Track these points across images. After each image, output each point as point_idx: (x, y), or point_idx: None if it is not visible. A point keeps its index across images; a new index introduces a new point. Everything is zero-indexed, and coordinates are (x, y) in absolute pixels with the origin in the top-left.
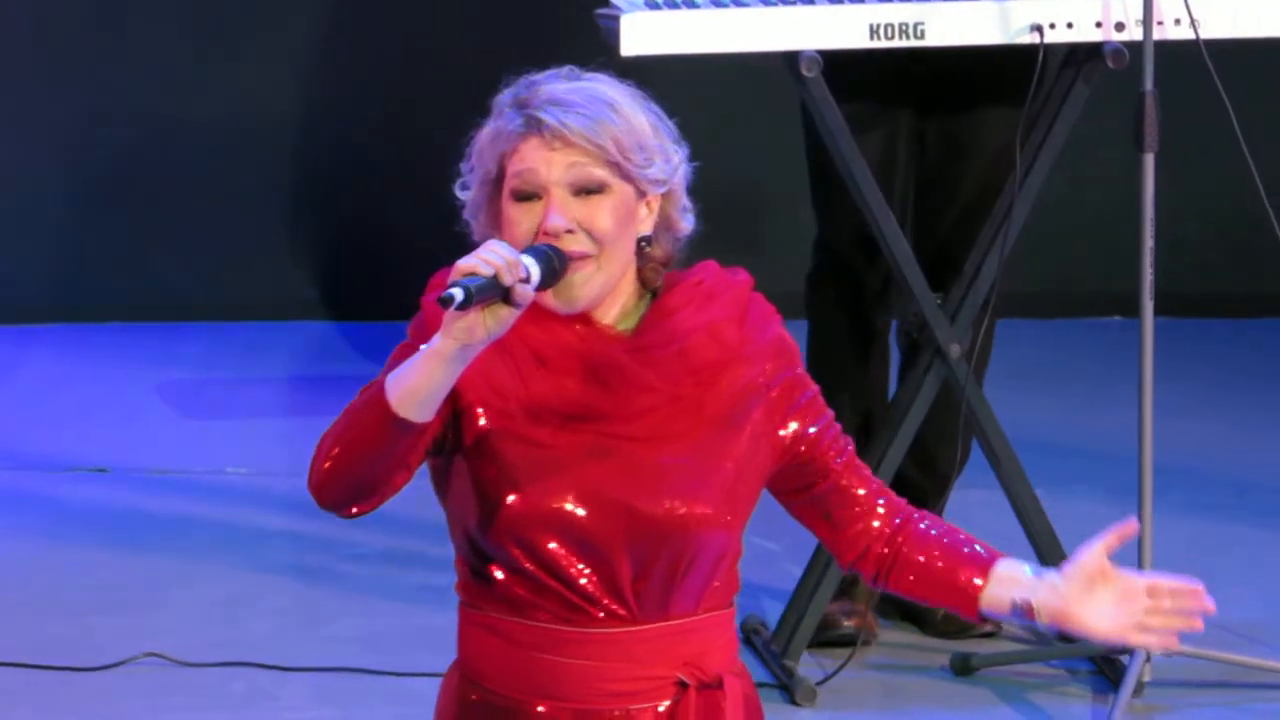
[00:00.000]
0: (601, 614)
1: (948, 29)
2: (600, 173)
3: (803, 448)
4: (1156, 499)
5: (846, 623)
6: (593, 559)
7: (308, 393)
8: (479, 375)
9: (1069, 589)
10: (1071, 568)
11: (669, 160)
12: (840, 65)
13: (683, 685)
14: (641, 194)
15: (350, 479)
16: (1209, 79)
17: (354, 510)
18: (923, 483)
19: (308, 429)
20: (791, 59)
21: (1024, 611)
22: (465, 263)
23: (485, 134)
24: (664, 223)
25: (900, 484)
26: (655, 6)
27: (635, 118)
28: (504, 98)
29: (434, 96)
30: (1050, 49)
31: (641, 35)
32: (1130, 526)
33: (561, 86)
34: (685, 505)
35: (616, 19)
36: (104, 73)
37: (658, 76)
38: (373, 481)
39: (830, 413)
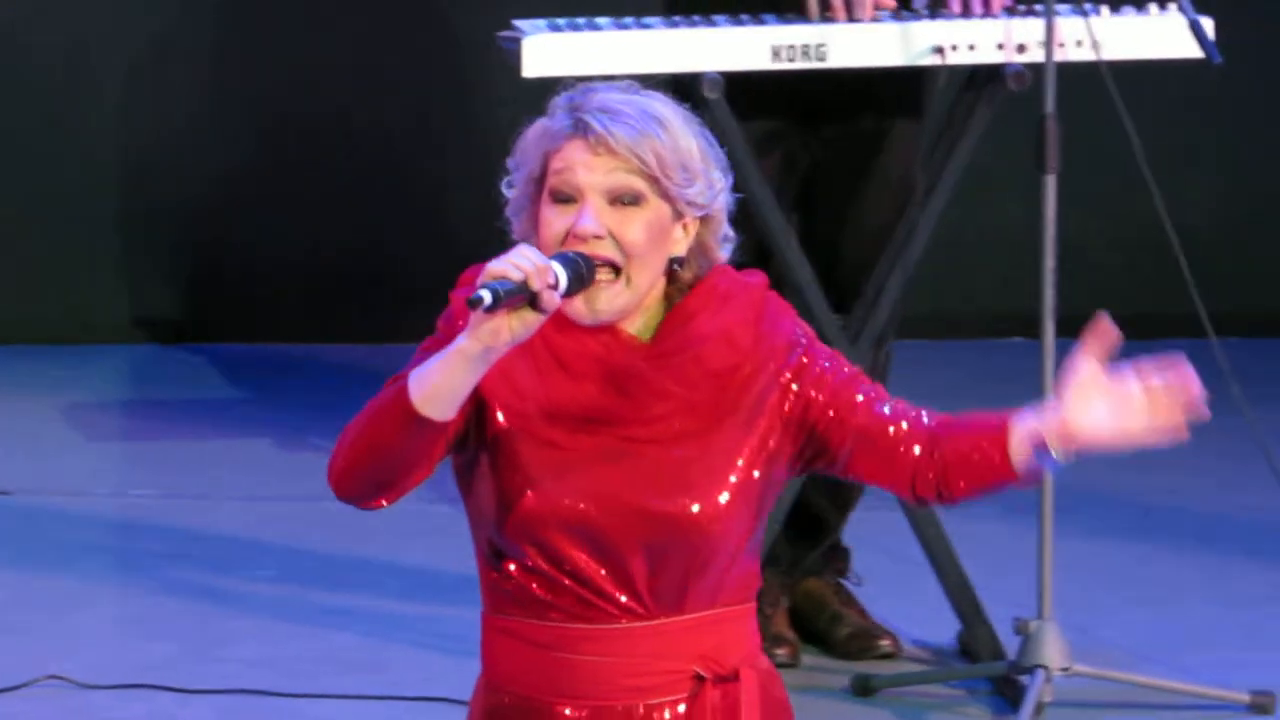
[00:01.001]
0: (616, 610)
1: (850, 51)
2: (639, 184)
3: (824, 414)
4: (1060, 519)
5: (779, 651)
6: (607, 557)
7: (207, 417)
8: (500, 375)
9: (1066, 405)
10: (1064, 384)
11: (711, 186)
12: (746, 85)
13: (700, 679)
14: (679, 215)
15: (369, 474)
16: (1110, 100)
17: (375, 503)
18: (826, 507)
19: (210, 452)
20: (694, 81)
21: (1041, 450)
22: (495, 266)
23: (533, 130)
24: (699, 248)
25: (804, 509)
26: (557, 28)
27: (683, 138)
28: (559, 99)
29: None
30: (952, 71)
31: (543, 57)
32: (1103, 323)
33: (616, 96)
34: (698, 502)
35: (518, 41)
36: None
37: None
38: (391, 477)
39: (851, 368)
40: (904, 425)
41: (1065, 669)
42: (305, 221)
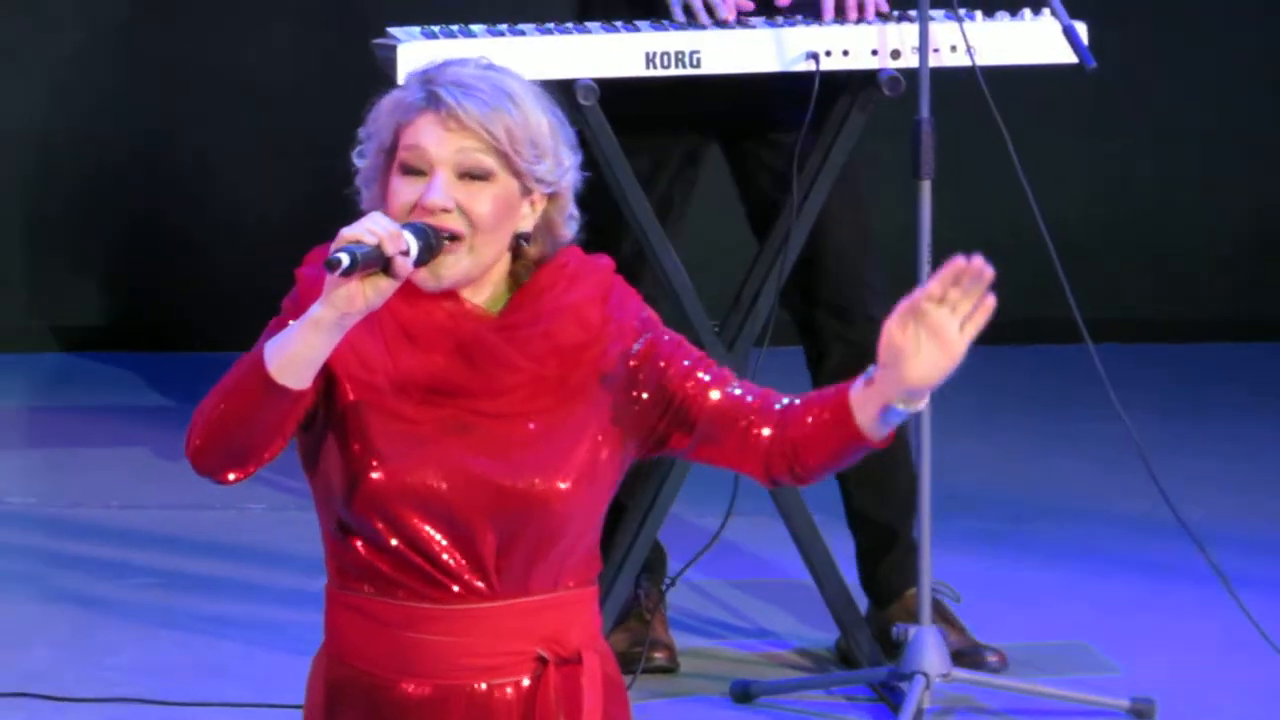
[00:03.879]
0: (460, 589)
1: (724, 57)
2: (488, 160)
3: (674, 389)
4: (936, 527)
5: (657, 655)
6: (456, 533)
7: (89, 424)
8: (348, 348)
9: (893, 375)
10: (880, 351)
11: (560, 163)
12: (623, 93)
13: (542, 661)
14: (527, 191)
15: (227, 444)
16: (986, 105)
17: (230, 477)
18: (883, 515)
19: (85, 460)
20: (568, 87)
21: (886, 408)
22: (349, 231)
23: (386, 102)
24: (545, 224)
25: (866, 523)
26: (432, 36)
27: (534, 114)
28: (413, 72)
29: (221, 121)
30: (826, 76)
31: (418, 65)
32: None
33: (469, 71)
34: (547, 481)
35: (394, 48)
36: None
37: None
38: (248, 448)
39: (696, 351)
40: (754, 406)
41: (945, 675)
42: (231, 227)
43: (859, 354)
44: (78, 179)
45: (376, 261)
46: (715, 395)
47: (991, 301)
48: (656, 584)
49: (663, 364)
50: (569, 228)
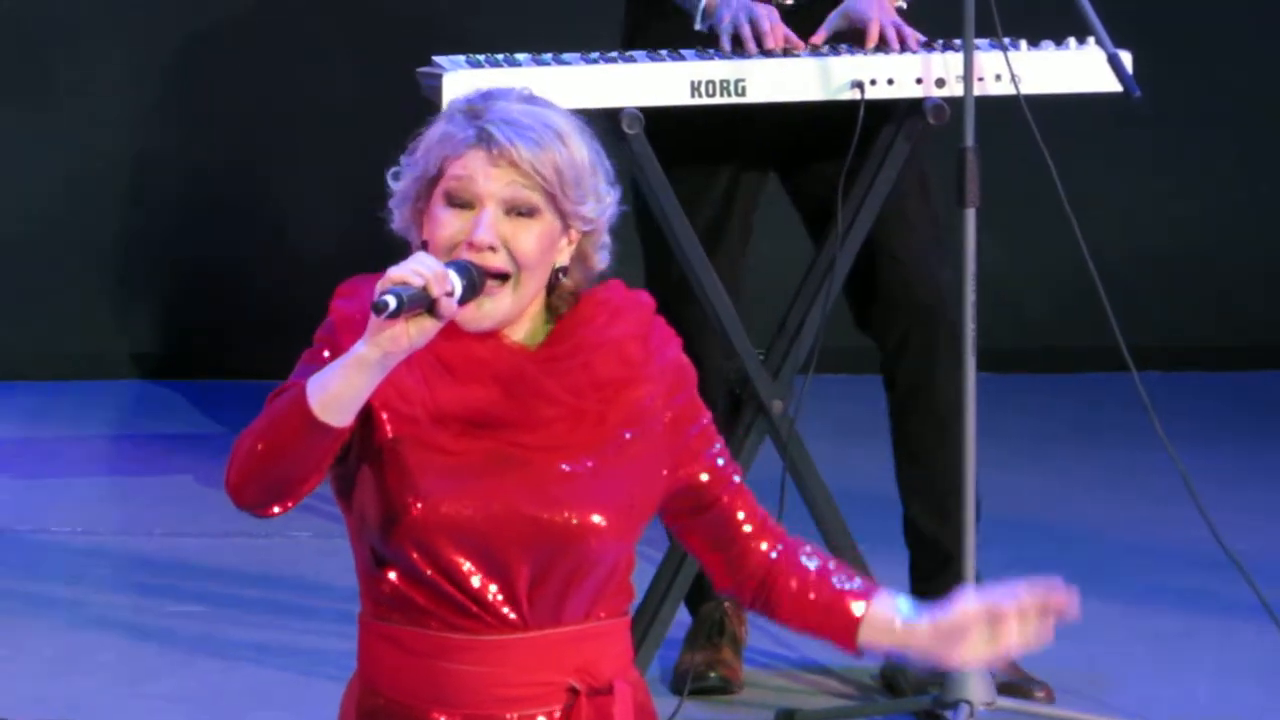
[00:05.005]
0: (493, 620)
1: (768, 86)
2: (535, 197)
3: (693, 478)
4: (979, 554)
5: (713, 674)
6: (490, 565)
7: (134, 451)
8: (387, 381)
9: (936, 642)
10: (939, 627)
11: (600, 200)
12: (673, 120)
13: (574, 692)
14: (567, 228)
15: (266, 480)
16: (1030, 134)
17: (270, 510)
18: (940, 536)
19: (134, 487)
20: (613, 116)
21: (899, 648)
22: (396, 272)
23: (434, 133)
24: (580, 256)
25: (922, 544)
26: (477, 65)
27: (579, 152)
28: (457, 103)
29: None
30: (873, 104)
31: (464, 93)
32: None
33: (516, 107)
34: (582, 515)
35: (439, 77)
36: None
37: None
38: (287, 483)
39: (720, 441)
40: (759, 534)
41: (989, 704)
42: (278, 258)
43: (931, 345)
44: (133, 209)
45: (422, 303)
46: (732, 506)
47: (1051, 634)
48: (738, 606)
49: (690, 445)
50: (602, 257)
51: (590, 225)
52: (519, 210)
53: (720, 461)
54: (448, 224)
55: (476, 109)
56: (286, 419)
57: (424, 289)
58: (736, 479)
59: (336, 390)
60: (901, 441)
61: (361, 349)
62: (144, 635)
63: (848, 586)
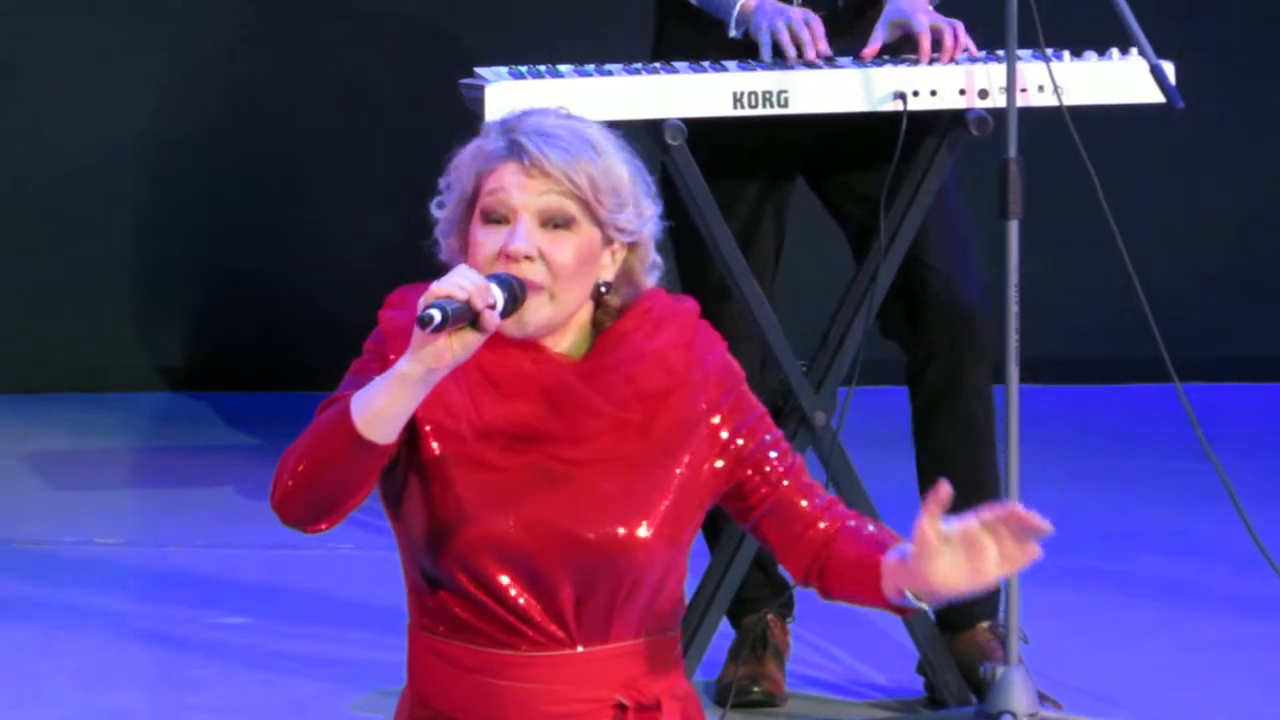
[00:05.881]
0: (539, 637)
1: (811, 97)
2: (570, 208)
3: (749, 470)
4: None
5: (756, 688)
6: (535, 582)
7: (174, 462)
8: (432, 396)
9: (918, 568)
10: (912, 550)
11: (641, 213)
12: (711, 132)
13: (622, 707)
14: (608, 240)
15: (313, 497)
16: (1073, 145)
17: (316, 527)
18: None
19: (176, 499)
20: (656, 127)
21: (909, 600)
22: (440, 287)
23: (468, 151)
24: (626, 274)
25: None
26: (519, 76)
27: (615, 164)
28: (493, 122)
29: (312, 162)
30: (916, 116)
31: (506, 105)
32: (942, 490)
33: (550, 120)
34: (628, 529)
35: (481, 89)
36: None
37: None
38: (334, 499)
39: (777, 431)
40: (817, 508)
41: (1032, 715)
42: (315, 269)
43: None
44: (173, 218)
45: (465, 316)
46: (790, 483)
47: (1036, 552)
48: (781, 619)
49: (746, 435)
50: (651, 277)
51: (632, 236)
52: (555, 221)
53: (774, 454)
54: (486, 242)
55: (510, 125)
56: (331, 436)
57: (467, 302)
58: (796, 463)
59: (380, 407)
60: (924, 451)
61: (405, 365)
62: (187, 647)
63: (870, 538)
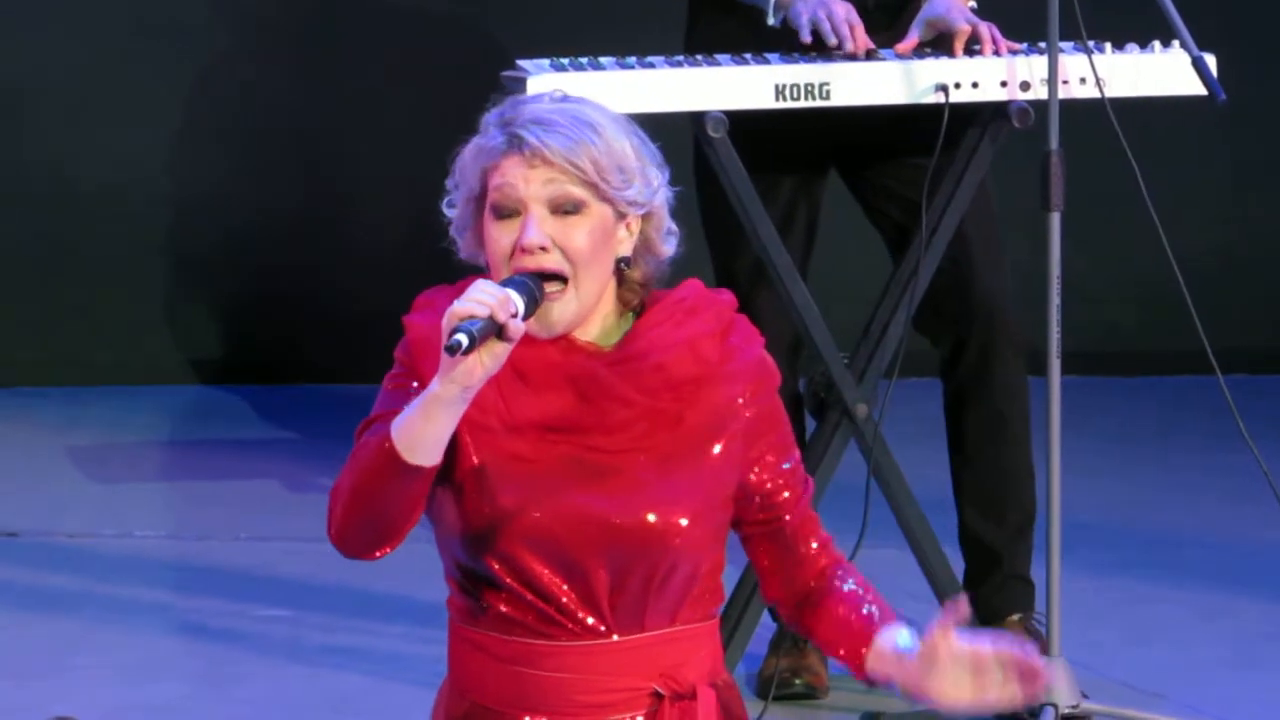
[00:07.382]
0: (576, 627)
1: (853, 89)
2: (578, 192)
3: (768, 485)
4: (1064, 555)
5: (798, 680)
6: (570, 573)
7: (213, 456)
8: None
9: (919, 672)
10: (918, 653)
11: (649, 183)
12: (751, 123)
13: (659, 696)
14: (621, 216)
15: (369, 528)
16: (1115, 137)
17: (378, 554)
18: (991, 538)
19: (216, 492)
20: (697, 119)
21: (891, 688)
22: (461, 307)
23: (469, 150)
24: (644, 245)
25: (973, 546)
26: (561, 68)
27: (616, 140)
28: (490, 116)
29: (344, 157)
30: (955, 108)
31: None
32: (961, 606)
33: (545, 107)
34: (661, 516)
35: (523, 81)
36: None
37: None
38: (390, 526)
39: (797, 454)
40: (818, 553)
41: (1075, 706)
42: (350, 262)
43: (985, 348)
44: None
45: (491, 331)
46: (797, 523)
47: (1038, 693)
48: None
49: (768, 449)
50: (668, 244)
51: (643, 208)
52: (564, 208)
53: (794, 475)
54: (498, 238)
55: (507, 117)
56: (376, 466)
57: (490, 318)
58: (807, 495)
59: (419, 431)
60: (955, 443)
61: (438, 387)
62: (229, 640)
63: (869, 612)
